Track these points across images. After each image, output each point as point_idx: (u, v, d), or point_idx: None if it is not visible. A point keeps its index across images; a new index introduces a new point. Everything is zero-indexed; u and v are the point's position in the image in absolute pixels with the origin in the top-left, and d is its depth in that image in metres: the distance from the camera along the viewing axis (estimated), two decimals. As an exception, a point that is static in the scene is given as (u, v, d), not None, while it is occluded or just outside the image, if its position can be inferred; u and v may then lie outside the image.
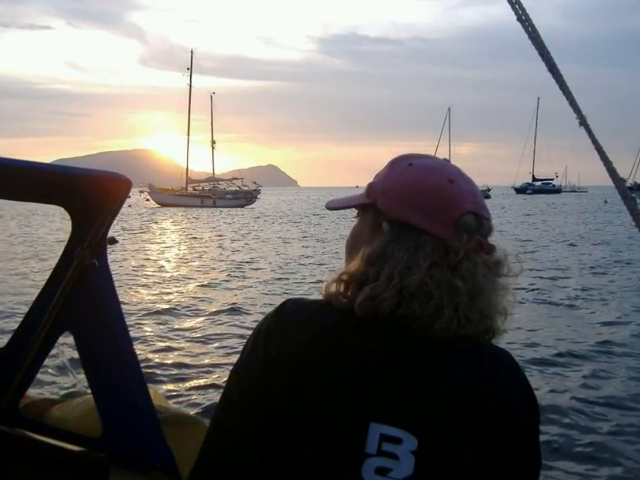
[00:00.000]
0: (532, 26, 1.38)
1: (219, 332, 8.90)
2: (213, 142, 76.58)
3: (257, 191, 64.46)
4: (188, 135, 73.37)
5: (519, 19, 1.37)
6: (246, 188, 64.98)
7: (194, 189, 65.58)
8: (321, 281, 1.09)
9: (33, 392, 2.34)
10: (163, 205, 59.28)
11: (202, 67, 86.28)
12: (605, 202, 68.80)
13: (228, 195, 62.73)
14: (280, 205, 72.32)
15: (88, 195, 1.94)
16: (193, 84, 74.28)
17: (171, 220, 40.58)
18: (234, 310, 10.36)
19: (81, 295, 2.01)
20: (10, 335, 2.24)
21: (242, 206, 59.62)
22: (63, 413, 2.20)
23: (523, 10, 1.34)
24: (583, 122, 1.37)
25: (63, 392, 3.17)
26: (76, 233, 2.04)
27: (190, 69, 74.09)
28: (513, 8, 1.34)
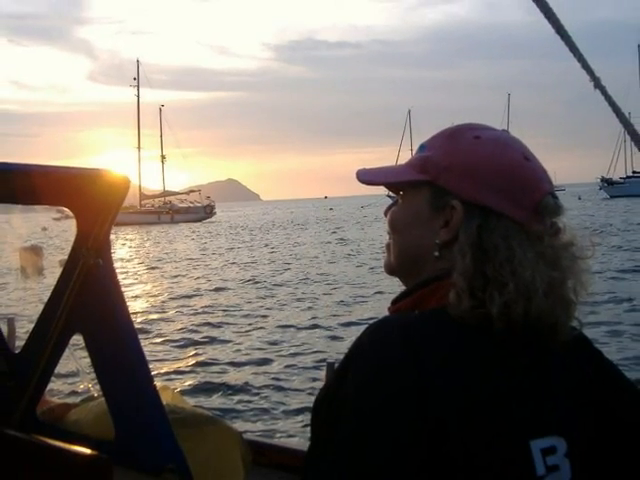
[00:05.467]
0: (536, -13, 1.40)
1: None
2: (163, 157, 77.42)
3: (211, 206, 66.64)
4: (139, 149, 73.75)
5: (521, -20, 1.39)
6: (199, 204, 66.88)
7: (141, 206, 66.40)
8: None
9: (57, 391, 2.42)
10: (115, 225, 59.25)
11: (152, 80, 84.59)
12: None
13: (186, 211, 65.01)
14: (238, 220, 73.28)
15: (90, 193, 2.01)
16: (143, 98, 74.87)
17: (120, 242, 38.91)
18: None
19: (88, 295, 2.09)
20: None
21: (200, 220, 62.47)
22: (79, 417, 2.30)
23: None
24: (598, 84, 1.37)
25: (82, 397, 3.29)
26: (81, 233, 2.12)
27: (137, 79, 74.65)
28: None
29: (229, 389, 7.32)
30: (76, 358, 2.62)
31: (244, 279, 17.64)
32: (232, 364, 8.43)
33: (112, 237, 2.18)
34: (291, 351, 9.12)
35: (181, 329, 10.96)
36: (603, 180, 75.16)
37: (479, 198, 0.97)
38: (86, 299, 2.10)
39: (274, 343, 9.66)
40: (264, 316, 12.00)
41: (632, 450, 1.01)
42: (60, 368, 2.35)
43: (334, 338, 9.83)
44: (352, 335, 8.05)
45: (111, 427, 2.05)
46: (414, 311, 0.97)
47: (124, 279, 17.24)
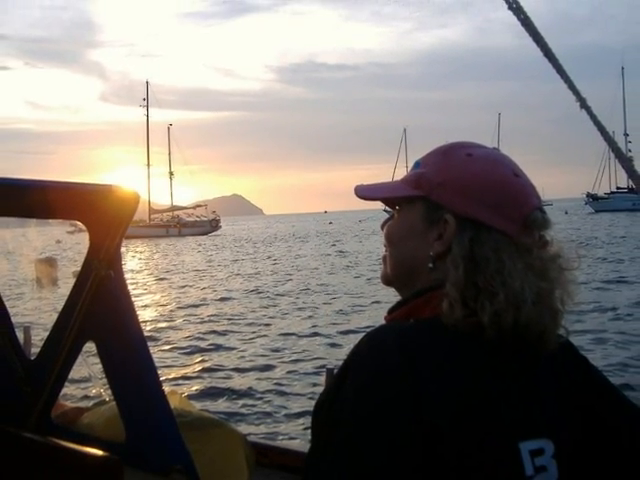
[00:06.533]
0: (524, 13, 1.40)
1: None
2: (171, 173, 78.38)
3: (216, 220, 67.27)
4: (148, 166, 74.46)
5: (510, 7, 1.40)
6: (205, 218, 67.67)
7: (150, 220, 66.92)
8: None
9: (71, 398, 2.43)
10: (125, 238, 59.86)
11: (161, 100, 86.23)
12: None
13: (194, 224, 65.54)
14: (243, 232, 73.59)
15: (102, 208, 2.02)
16: (152, 118, 76.51)
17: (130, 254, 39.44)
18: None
19: (100, 304, 2.09)
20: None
21: (206, 233, 62.82)
22: (91, 420, 2.30)
23: (513, -2, 1.36)
24: (584, 105, 1.38)
25: (95, 401, 3.29)
26: (93, 245, 2.12)
27: (146, 99, 75.57)
28: (502, -3, 1.36)
29: (234, 394, 7.30)
30: (88, 364, 2.61)
31: (248, 289, 17.64)
32: (237, 370, 8.41)
33: (123, 250, 2.19)
34: (292, 358, 9.10)
35: (188, 337, 10.94)
36: (589, 195, 75.60)
37: (471, 212, 0.98)
38: (98, 308, 2.10)
39: (276, 350, 9.64)
40: (267, 324, 11.99)
41: (616, 452, 1.01)
42: (73, 374, 2.34)
43: (333, 345, 9.81)
44: (350, 342, 8.02)
45: (122, 430, 2.04)
46: (409, 320, 0.97)
47: (134, 289, 17.23)
